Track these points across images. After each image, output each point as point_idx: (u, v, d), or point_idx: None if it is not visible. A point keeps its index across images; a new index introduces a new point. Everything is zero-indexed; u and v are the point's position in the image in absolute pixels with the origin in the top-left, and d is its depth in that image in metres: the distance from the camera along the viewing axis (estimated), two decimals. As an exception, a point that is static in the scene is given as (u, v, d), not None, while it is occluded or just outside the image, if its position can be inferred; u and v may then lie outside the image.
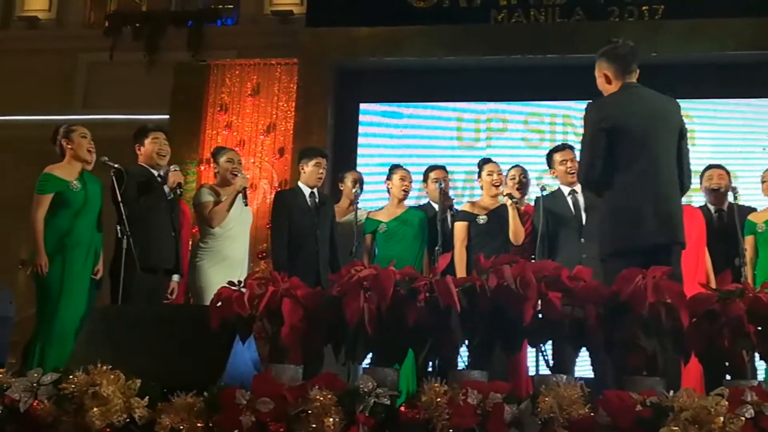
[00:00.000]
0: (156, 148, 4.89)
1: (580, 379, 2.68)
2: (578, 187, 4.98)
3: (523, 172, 5.61)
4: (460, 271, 5.06)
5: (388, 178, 5.68)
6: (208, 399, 2.71)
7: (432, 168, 5.75)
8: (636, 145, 3.52)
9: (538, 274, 2.88)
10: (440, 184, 5.32)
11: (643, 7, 7.25)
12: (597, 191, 3.74)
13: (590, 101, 3.75)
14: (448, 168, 7.42)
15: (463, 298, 2.86)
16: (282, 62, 7.82)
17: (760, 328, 2.72)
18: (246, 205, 5.21)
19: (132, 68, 8.60)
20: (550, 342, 2.98)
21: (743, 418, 2.42)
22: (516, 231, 5.10)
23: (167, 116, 7.85)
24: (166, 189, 4.84)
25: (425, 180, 5.73)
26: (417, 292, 2.90)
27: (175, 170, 4.93)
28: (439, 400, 2.59)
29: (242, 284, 3.03)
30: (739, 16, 7.11)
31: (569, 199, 5.07)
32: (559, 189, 5.19)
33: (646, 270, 2.89)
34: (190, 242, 5.73)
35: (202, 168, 7.61)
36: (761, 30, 7.07)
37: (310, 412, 2.57)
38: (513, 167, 5.62)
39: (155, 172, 4.88)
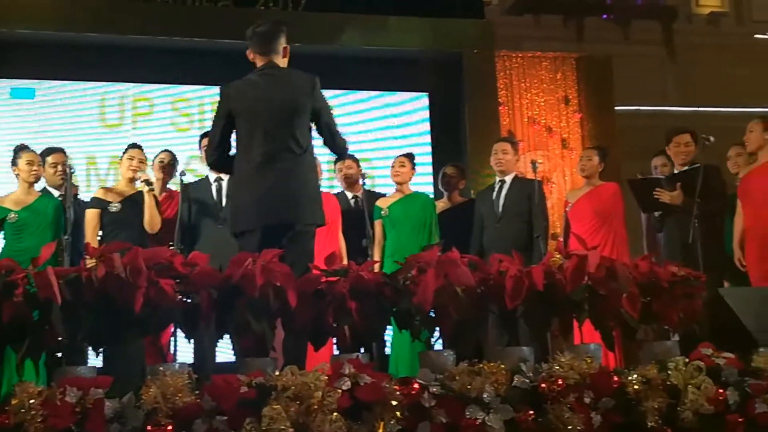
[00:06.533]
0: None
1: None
2: (224, 176, 4.97)
3: (171, 157, 5.59)
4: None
5: (13, 162, 5.12)
6: None
7: (49, 151, 5.21)
8: (254, 129, 3.52)
9: (149, 262, 2.78)
10: (72, 169, 4.92)
11: (287, -3, 7.42)
12: (226, 172, 3.76)
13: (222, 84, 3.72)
14: (92, 151, 7.11)
15: (67, 290, 2.67)
16: None
17: (360, 303, 2.90)
18: None
19: None
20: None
21: (340, 390, 2.55)
22: (152, 219, 4.91)
23: None
24: None
25: (43, 164, 5.10)
26: (14, 285, 2.65)
27: None
28: (32, 401, 2.38)
29: None
30: (378, 14, 7.55)
31: (213, 186, 5.11)
32: (206, 176, 5.21)
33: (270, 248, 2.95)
34: None
35: None
36: (395, 28, 7.59)
37: None
38: (162, 151, 5.59)
39: None
